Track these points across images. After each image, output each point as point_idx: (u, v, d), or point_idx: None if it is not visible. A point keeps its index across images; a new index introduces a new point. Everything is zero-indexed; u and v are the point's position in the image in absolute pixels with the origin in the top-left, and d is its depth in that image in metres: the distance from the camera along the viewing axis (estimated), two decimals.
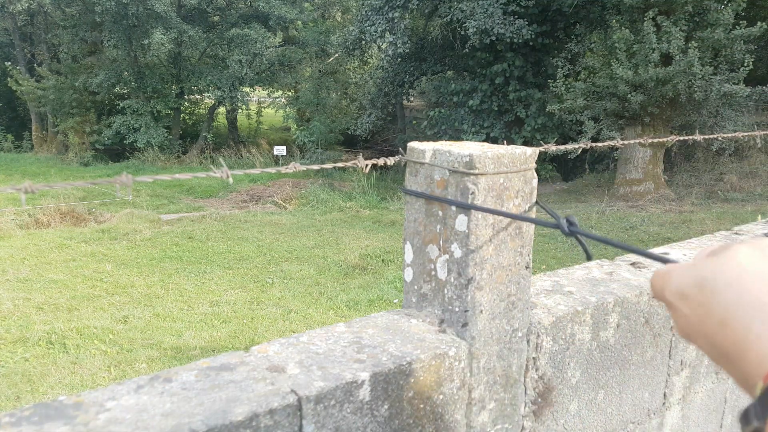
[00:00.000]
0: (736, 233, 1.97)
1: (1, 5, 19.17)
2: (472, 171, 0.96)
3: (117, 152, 20.13)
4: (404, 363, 0.91)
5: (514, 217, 1.00)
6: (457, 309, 1.02)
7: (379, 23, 14.67)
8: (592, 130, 11.92)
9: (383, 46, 17.30)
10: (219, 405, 0.76)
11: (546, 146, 1.35)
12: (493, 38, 12.96)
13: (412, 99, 21.45)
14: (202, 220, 11.01)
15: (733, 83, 10.82)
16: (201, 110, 24.28)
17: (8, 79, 21.01)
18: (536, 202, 1.06)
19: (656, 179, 12.22)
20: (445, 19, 14.69)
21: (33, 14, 21.23)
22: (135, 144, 19.18)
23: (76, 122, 19.82)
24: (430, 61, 16.85)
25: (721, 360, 0.48)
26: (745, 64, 10.76)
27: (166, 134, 19.68)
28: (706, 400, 1.63)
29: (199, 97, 23.32)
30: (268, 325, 5.87)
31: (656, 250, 1.73)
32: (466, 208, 0.97)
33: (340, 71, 21.60)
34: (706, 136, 1.73)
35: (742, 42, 10.88)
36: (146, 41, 17.73)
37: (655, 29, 10.80)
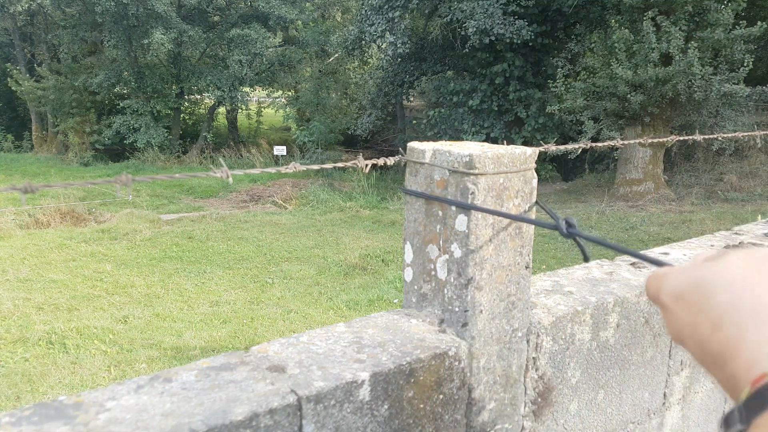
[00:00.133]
0: (736, 233, 1.97)
1: (1, 5, 19.17)
2: (472, 171, 0.96)
3: (117, 152, 20.12)
4: (404, 363, 0.91)
5: (513, 217, 1.00)
6: (457, 309, 1.02)
7: (379, 23, 14.67)
8: (592, 130, 11.92)
9: (383, 46, 17.30)
10: (219, 405, 0.76)
11: (546, 146, 1.35)
12: (493, 38, 12.96)
13: (412, 99, 21.44)
14: (202, 220, 11.01)
15: (733, 83, 10.82)
16: (201, 110, 24.28)
17: (8, 79, 21.01)
18: (536, 202, 1.06)
19: (656, 179, 12.22)
20: (445, 19, 14.69)
21: (33, 14, 21.23)
22: (135, 144, 19.17)
23: (76, 122, 19.82)
24: (430, 61, 16.85)
25: (708, 362, 0.48)
26: (745, 64, 10.75)
27: (166, 134, 19.67)
28: (706, 400, 1.63)
29: (199, 97, 23.32)
30: (268, 325, 5.87)
31: (656, 250, 1.73)
32: (466, 208, 0.97)
33: (340, 71, 21.61)
34: (706, 136, 1.73)
35: (742, 42, 10.88)
36: (146, 41, 17.72)
37: (654, 29, 10.80)
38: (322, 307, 6.41)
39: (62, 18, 19.65)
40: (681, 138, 1.86)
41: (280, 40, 22.64)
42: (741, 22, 10.74)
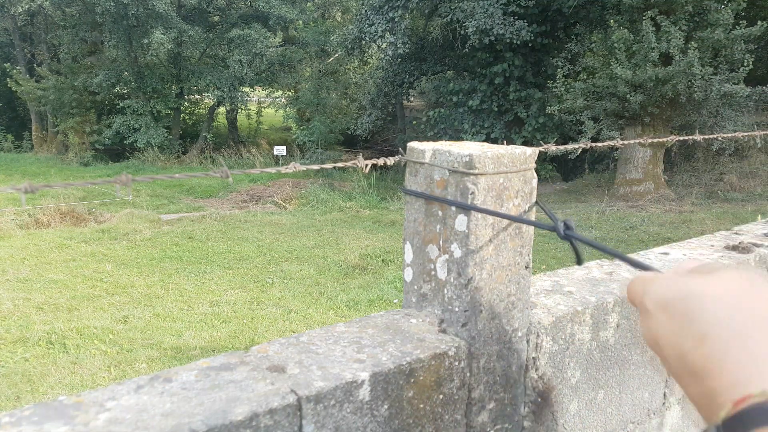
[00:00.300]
0: (736, 233, 1.97)
1: (1, 6, 19.17)
2: (471, 171, 0.96)
3: (117, 152, 20.13)
4: (404, 363, 0.91)
5: (512, 218, 1.00)
6: (456, 309, 1.02)
7: (379, 23, 14.68)
8: (592, 130, 11.93)
9: (383, 46, 17.30)
10: (219, 405, 0.76)
11: (546, 146, 1.35)
12: (493, 38, 12.97)
13: (412, 99, 21.45)
14: (202, 220, 11.01)
15: (733, 83, 10.82)
16: (201, 110, 24.28)
17: (8, 79, 21.02)
18: (536, 203, 1.06)
19: (656, 179, 12.23)
20: (445, 19, 14.70)
21: (33, 14, 21.24)
22: (135, 144, 19.18)
23: (76, 122, 19.83)
24: (430, 61, 16.85)
25: (684, 374, 0.47)
26: (745, 64, 10.76)
27: (166, 134, 19.68)
28: None
29: (199, 97, 23.33)
30: (268, 325, 5.87)
31: (656, 250, 1.74)
32: (466, 208, 0.97)
33: (340, 71, 21.62)
34: (706, 136, 1.73)
35: (742, 42, 10.89)
36: (146, 41, 17.73)
37: (654, 29, 10.81)
38: (322, 307, 6.41)
39: (62, 18, 19.66)
40: (681, 138, 1.86)
41: (280, 40, 22.64)
42: (741, 22, 10.74)
